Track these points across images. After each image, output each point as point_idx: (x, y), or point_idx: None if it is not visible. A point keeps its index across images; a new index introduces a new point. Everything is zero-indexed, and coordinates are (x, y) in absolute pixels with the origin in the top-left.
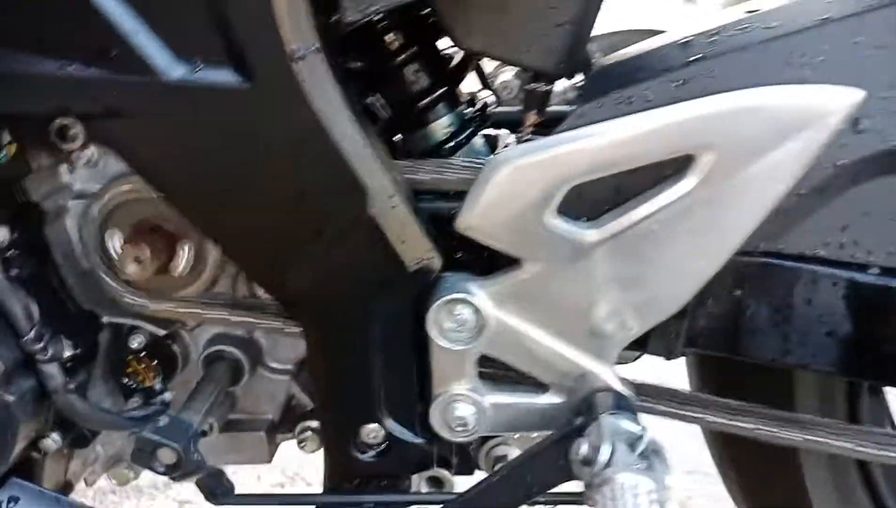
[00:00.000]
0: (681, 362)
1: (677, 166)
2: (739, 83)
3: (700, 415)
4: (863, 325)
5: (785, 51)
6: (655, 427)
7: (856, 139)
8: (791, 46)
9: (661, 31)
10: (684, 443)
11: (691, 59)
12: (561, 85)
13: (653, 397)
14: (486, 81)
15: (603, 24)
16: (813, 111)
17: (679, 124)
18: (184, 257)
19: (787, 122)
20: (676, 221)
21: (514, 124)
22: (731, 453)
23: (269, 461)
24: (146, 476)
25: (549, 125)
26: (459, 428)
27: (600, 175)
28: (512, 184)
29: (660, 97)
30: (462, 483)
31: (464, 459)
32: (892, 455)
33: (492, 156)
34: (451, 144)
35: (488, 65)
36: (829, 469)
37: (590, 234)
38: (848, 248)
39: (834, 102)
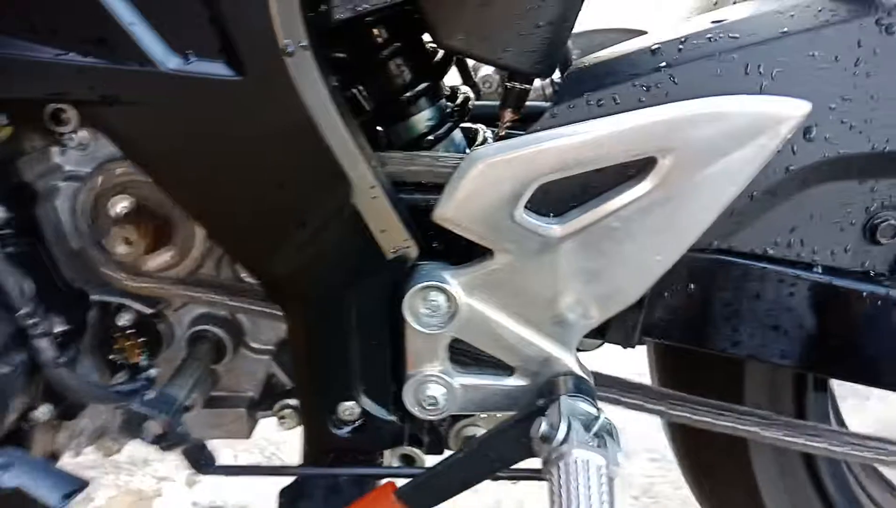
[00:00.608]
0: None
1: (640, 168)
2: (701, 91)
3: (648, 404)
4: (807, 320)
5: (745, 61)
6: (623, 417)
7: (806, 146)
8: (750, 57)
9: (641, 31)
10: (651, 433)
11: (658, 65)
12: (539, 81)
13: (607, 386)
14: (467, 75)
15: (584, 22)
16: (765, 120)
17: (641, 128)
18: (171, 239)
19: (741, 129)
20: (636, 218)
21: (492, 119)
22: (686, 441)
23: (249, 436)
24: (126, 452)
25: (525, 121)
26: (430, 407)
27: (567, 174)
28: (485, 180)
29: (627, 101)
30: (433, 462)
31: (434, 438)
32: (836, 449)
33: (468, 152)
34: (432, 137)
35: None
36: (776, 460)
37: (555, 229)
38: (795, 247)
39: (785, 111)
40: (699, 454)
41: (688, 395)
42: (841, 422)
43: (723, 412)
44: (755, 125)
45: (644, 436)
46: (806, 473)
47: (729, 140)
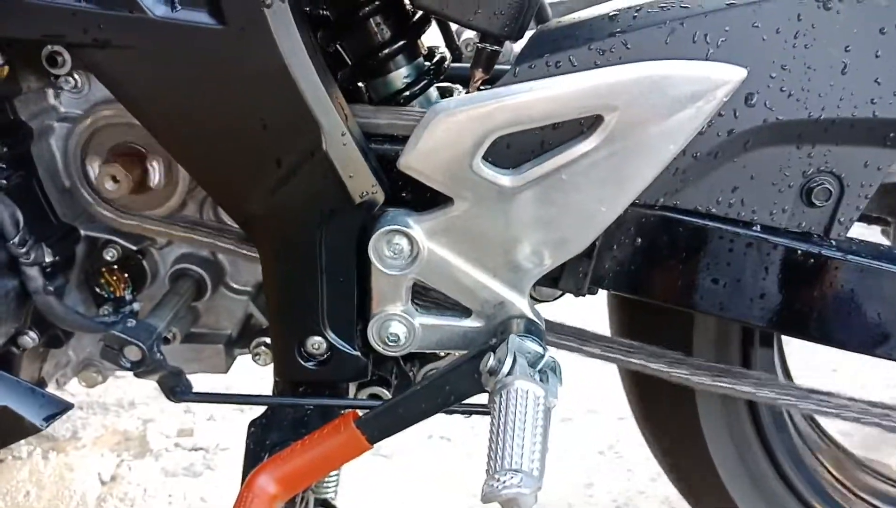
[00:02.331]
0: None
1: (589, 125)
2: (651, 57)
3: (599, 351)
4: (744, 275)
5: (693, 30)
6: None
7: (747, 111)
8: (698, 26)
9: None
10: (618, 393)
11: (614, 31)
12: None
13: (560, 333)
14: (450, 38)
15: None
16: (703, 84)
17: (589, 88)
18: (156, 178)
19: (681, 91)
20: (583, 172)
21: (467, 80)
22: (638, 394)
23: (226, 372)
24: (113, 394)
25: (494, 81)
26: (392, 344)
27: (521, 128)
28: (446, 131)
29: (582, 63)
30: None
31: (402, 380)
32: (777, 398)
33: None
34: (407, 93)
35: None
36: (721, 408)
37: (510, 180)
38: (736, 207)
39: (722, 76)
40: (650, 407)
41: (638, 344)
42: (788, 376)
43: (675, 362)
44: (694, 88)
45: (611, 397)
46: (749, 419)
47: (669, 101)
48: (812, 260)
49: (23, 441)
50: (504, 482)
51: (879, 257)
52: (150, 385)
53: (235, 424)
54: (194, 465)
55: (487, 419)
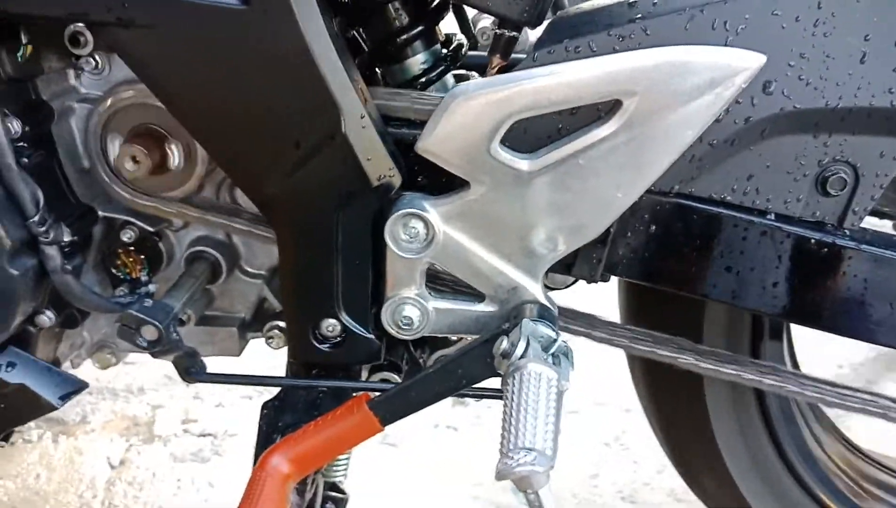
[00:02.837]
0: None
1: (607, 110)
2: (669, 42)
3: (606, 336)
4: (758, 264)
5: (713, 17)
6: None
7: (765, 99)
8: (718, 14)
9: None
10: (625, 385)
11: (634, 17)
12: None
13: (572, 318)
14: (466, 26)
15: None
16: (722, 70)
17: (608, 73)
18: (175, 159)
19: (699, 77)
20: (600, 157)
21: (484, 68)
22: (647, 383)
23: (239, 354)
24: (122, 380)
25: (512, 68)
26: (406, 327)
27: (540, 112)
28: (464, 115)
29: (602, 49)
30: None
31: (413, 365)
32: (783, 386)
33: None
34: (424, 79)
35: (471, 11)
36: (730, 399)
37: (527, 164)
38: (750, 195)
39: (741, 63)
40: (658, 397)
41: (645, 330)
42: (797, 368)
43: (682, 348)
44: (713, 74)
45: (619, 390)
46: (758, 412)
47: (688, 87)
48: (826, 249)
49: (32, 425)
50: (518, 459)
51: (894, 247)
52: (159, 372)
53: (243, 411)
54: (203, 451)
55: (492, 410)
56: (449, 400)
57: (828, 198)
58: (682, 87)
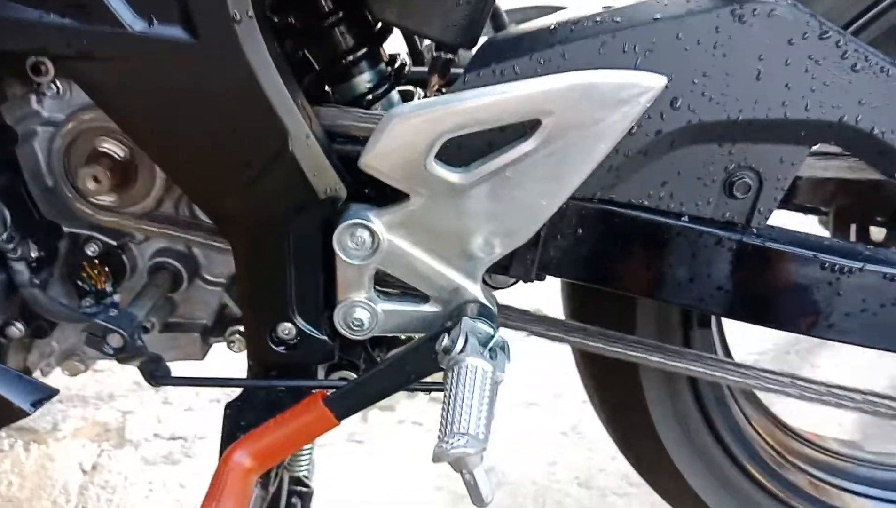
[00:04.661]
0: None
1: (530, 127)
2: (585, 65)
3: (547, 332)
4: (673, 261)
5: (623, 42)
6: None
7: (673, 114)
8: (628, 38)
9: (562, 8)
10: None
11: (553, 42)
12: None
13: (512, 316)
14: (412, 43)
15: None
16: (628, 91)
17: (528, 95)
18: (134, 179)
19: (608, 97)
20: (525, 170)
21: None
22: (591, 376)
23: (202, 358)
24: (93, 387)
25: (450, 85)
26: (357, 328)
27: (469, 131)
28: (401, 134)
29: (525, 72)
30: None
31: (370, 364)
32: (712, 373)
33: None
34: (370, 96)
35: None
36: (664, 385)
37: (460, 177)
38: (665, 199)
39: (644, 83)
40: (601, 388)
41: (581, 324)
42: (728, 355)
43: (615, 340)
44: (619, 95)
45: (576, 382)
46: (691, 395)
47: (598, 106)
48: (735, 246)
49: (3, 434)
50: (452, 443)
51: (795, 244)
52: (129, 379)
53: (212, 414)
54: (173, 453)
55: None
56: (422, 397)
57: (735, 200)
58: (592, 106)
